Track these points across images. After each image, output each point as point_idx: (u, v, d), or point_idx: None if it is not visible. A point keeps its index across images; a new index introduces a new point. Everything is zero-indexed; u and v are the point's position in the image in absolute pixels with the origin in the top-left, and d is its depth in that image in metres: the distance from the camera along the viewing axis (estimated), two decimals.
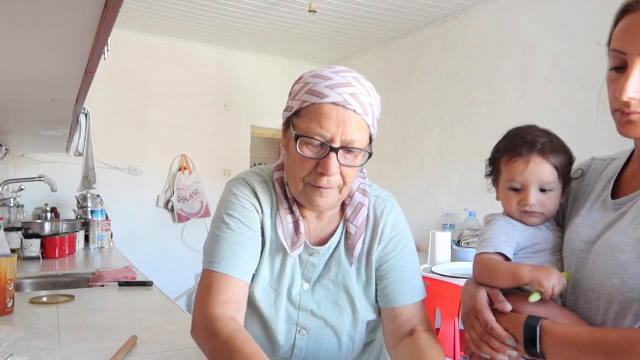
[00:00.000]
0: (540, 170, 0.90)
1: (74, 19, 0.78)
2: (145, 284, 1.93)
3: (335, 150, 0.91)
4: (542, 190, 0.92)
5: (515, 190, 0.93)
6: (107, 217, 3.19)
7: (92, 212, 3.18)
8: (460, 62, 3.74)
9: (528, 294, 0.84)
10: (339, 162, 0.92)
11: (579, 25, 2.91)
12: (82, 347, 1.20)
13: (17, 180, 3.09)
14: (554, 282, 0.81)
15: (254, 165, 7.30)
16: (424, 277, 2.76)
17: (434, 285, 2.55)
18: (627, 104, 0.75)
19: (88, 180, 3.13)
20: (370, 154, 0.97)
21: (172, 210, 4.37)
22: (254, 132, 4.93)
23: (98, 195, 3.54)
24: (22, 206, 3.39)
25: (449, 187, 3.79)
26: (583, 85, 2.83)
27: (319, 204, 0.97)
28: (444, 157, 3.87)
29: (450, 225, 3.56)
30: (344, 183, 0.96)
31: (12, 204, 2.94)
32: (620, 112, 0.77)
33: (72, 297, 1.69)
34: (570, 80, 2.94)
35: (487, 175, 1.01)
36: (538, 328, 0.77)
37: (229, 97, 4.71)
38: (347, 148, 0.93)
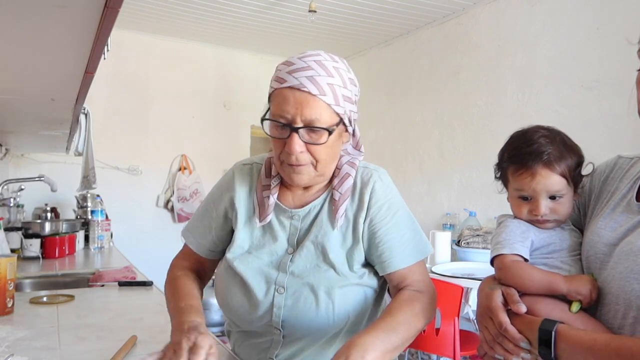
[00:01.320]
0: (548, 182, 0.89)
1: (74, 19, 0.78)
2: (145, 284, 1.93)
3: (296, 130, 0.99)
4: (552, 197, 0.91)
5: (525, 199, 0.93)
6: (107, 217, 3.19)
7: (92, 212, 3.18)
8: (460, 62, 3.74)
9: (543, 296, 0.84)
10: (303, 141, 1.00)
11: (579, 25, 2.91)
12: (82, 347, 1.20)
13: (17, 180, 3.09)
14: (591, 289, 0.81)
15: None
16: None
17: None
18: None
19: (88, 180, 3.14)
20: (330, 132, 1.01)
21: (172, 210, 4.37)
22: (254, 132, 4.93)
23: (98, 195, 3.54)
24: (22, 206, 3.39)
25: (449, 187, 3.79)
26: (583, 85, 2.83)
27: (294, 179, 1.06)
28: (444, 157, 3.87)
29: (450, 225, 3.56)
30: (317, 160, 1.03)
31: (12, 204, 2.94)
32: None
33: (72, 297, 1.69)
34: (570, 80, 2.94)
35: (496, 178, 1.00)
36: (553, 333, 0.75)
37: (229, 97, 4.71)
38: (308, 127, 0.99)
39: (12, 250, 2.41)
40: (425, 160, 4.05)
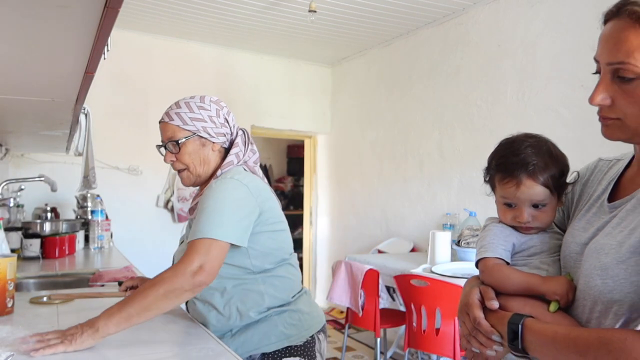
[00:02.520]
0: (531, 192, 0.93)
1: (74, 19, 0.78)
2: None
3: (163, 146, 1.48)
4: (535, 206, 0.95)
5: (510, 205, 0.97)
6: (107, 217, 3.19)
7: (92, 212, 3.18)
8: (460, 62, 3.74)
9: (524, 296, 0.89)
10: (173, 153, 1.46)
11: (579, 25, 2.91)
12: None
13: (17, 180, 3.09)
14: (567, 289, 0.85)
15: None
16: (423, 277, 2.75)
17: (434, 285, 2.55)
18: (600, 109, 0.81)
19: (88, 180, 3.13)
20: (177, 142, 1.43)
21: (172, 210, 4.37)
22: (254, 132, 4.93)
23: (98, 195, 3.54)
24: (22, 206, 3.39)
25: (448, 187, 3.79)
26: (583, 85, 2.83)
27: (181, 182, 1.53)
28: (444, 157, 3.88)
29: (450, 225, 3.56)
30: (186, 165, 1.46)
31: (12, 204, 2.94)
32: (599, 116, 0.82)
33: (71, 297, 1.69)
34: (570, 80, 2.94)
35: (485, 182, 1.04)
36: (520, 326, 0.81)
37: (229, 97, 4.70)
38: (168, 143, 1.45)
39: (12, 250, 2.40)
40: (425, 160, 4.05)
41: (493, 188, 1.01)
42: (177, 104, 1.48)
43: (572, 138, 2.78)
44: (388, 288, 3.11)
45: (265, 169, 7.57)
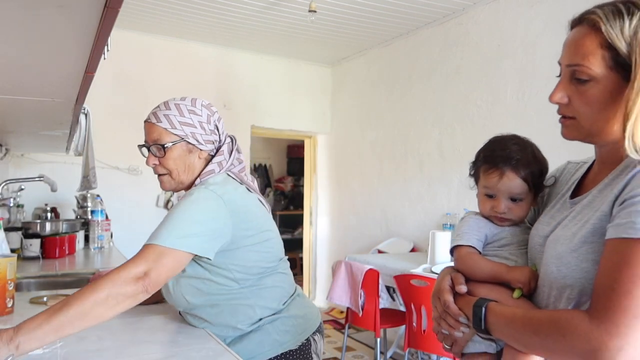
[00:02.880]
0: (512, 184, 1.01)
1: (74, 19, 0.77)
2: None
3: (147, 147, 1.40)
4: (513, 199, 1.03)
5: (490, 196, 1.05)
6: (107, 217, 3.19)
7: (92, 212, 3.18)
8: (460, 62, 3.74)
9: (493, 283, 0.97)
10: (156, 156, 1.38)
11: None
12: (81, 347, 1.20)
13: (17, 180, 3.09)
14: (530, 278, 0.93)
15: (254, 165, 7.31)
16: (423, 277, 2.75)
17: (434, 285, 2.55)
18: (559, 108, 0.88)
19: (88, 180, 3.13)
20: (163, 146, 1.35)
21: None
22: (254, 132, 4.93)
23: (98, 195, 3.54)
24: (22, 206, 3.39)
25: (448, 187, 3.79)
26: None
27: (161, 186, 1.44)
28: (444, 157, 3.88)
29: (450, 225, 3.56)
30: (169, 170, 1.38)
31: (12, 204, 2.94)
32: (559, 115, 0.90)
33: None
34: None
35: (470, 175, 1.12)
36: (484, 309, 0.89)
37: (229, 97, 4.71)
38: (152, 146, 1.37)
39: (12, 250, 2.41)
40: (425, 160, 4.05)
41: (477, 180, 1.09)
42: (166, 105, 1.39)
43: None
44: (388, 288, 3.12)
45: (265, 169, 7.57)
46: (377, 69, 4.66)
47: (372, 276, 3.02)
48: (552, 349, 0.79)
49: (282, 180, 7.55)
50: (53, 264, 2.50)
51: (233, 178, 1.40)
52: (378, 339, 3.07)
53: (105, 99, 4.03)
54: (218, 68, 4.71)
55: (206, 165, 1.41)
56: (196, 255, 1.24)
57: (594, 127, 0.85)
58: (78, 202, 3.56)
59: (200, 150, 1.39)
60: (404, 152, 4.28)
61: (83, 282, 2.18)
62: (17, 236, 2.60)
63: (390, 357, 3.80)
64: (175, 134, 1.36)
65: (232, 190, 1.34)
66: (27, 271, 2.27)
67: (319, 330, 1.47)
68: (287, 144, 7.67)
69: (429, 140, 4.02)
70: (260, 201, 1.45)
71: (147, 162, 1.40)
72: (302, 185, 6.11)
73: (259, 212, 1.41)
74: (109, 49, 1.33)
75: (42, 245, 2.64)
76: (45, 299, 1.66)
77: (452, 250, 1.06)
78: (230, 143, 1.46)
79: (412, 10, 3.74)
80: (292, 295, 1.45)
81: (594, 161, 0.95)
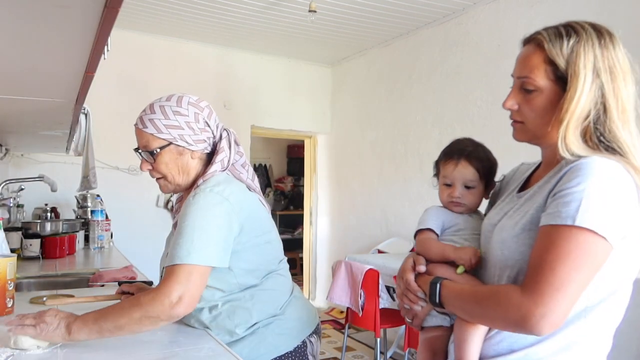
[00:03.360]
0: (465, 171, 1.19)
1: (74, 19, 0.78)
2: (146, 283, 1.93)
3: (139, 152, 1.38)
4: (467, 187, 1.19)
5: (448, 185, 1.21)
6: (107, 217, 3.19)
7: (92, 212, 3.18)
8: (460, 62, 3.74)
9: (445, 264, 1.11)
10: (149, 162, 1.37)
11: None
12: (81, 347, 1.20)
13: (17, 180, 3.09)
14: (471, 256, 1.07)
15: (254, 165, 7.31)
16: None
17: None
18: (511, 114, 1.03)
19: (88, 180, 3.14)
20: (151, 152, 1.34)
21: (172, 210, 4.36)
22: (254, 132, 4.93)
23: (98, 195, 3.54)
24: (22, 206, 3.39)
25: None
26: None
27: (160, 189, 1.43)
28: None
29: None
30: (163, 174, 1.37)
31: (12, 204, 2.94)
32: (510, 120, 1.05)
33: (72, 297, 1.69)
34: None
35: (434, 176, 1.28)
36: (438, 285, 1.03)
37: (229, 97, 4.71)
38: (144, 152, 1.36)
39: (12, 250, 2.40)
40: (425, 160, 4.05)
41: (438, 175, 1.25)
42: (151, 108, 1.35)
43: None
44: (388, 288, 3.11)
45: (265, 169, 7.57)
46: (377, 69, 4.66)
47: (372, 276, 3.02)
48: (491, 317, 0.94)
49: (282, 180, 7.55)
50: (53, 264, 2.50)
51: (231, 179, 1.37)
52: (378, 339, 3.07)
53: (105, 99, 4.03)
54: (218, 68, 4.71)
55: (206, 163, 1.38)
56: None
57: (538, 130, 1.00)
58: (78, 202, 3.56)
59: (192, 151, 1.35)
60: (404, 152, 4.28)
61: (83, 282, 2.18)
62: (17, 236, 2.60)
63: (390, 357, 3.81)
64: (162, 138, 1.32)
65: (237, 191, 1.32)
66: (27, 271, 2.27)
67: (315, 332, 1.46)
68: (287, 144, 7.67)
69: (429, 140, 4.02)
70: (261, 201, 1.43)
71: (141, 168, 1.39)
72: (302, 185, 6.11)
73: (261, 213, 1.40)
74: (109, 49, 1.32)
75: (42, 245, 2.63)
76: (45, 299, 1.66)
77: (415, 236, 1.22)
78: (228, 137, 1.40)
79: (412, 10, 3.74)
80: (289, 297, 1.43)
81: (541, 162, 1.11)
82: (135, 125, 1.36)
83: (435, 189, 1.26)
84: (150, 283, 1.93)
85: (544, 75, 0.97)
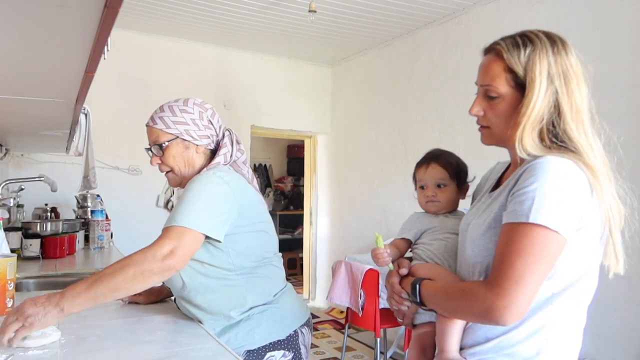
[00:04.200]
0: (434, 171, 1.33)
1: (74, 19, 0.78)
2: None
3: (149, 150, 1.52)
4: (439, 186, 1.32)
5: (422, 188, 1.35)
6: (107, 217, 3.19)
7: (92, 212, 3.18)
8: (460, 62, 3.74)
9: (424, 264, 1.22)
10: (158, 156, 1.50)
11: (579, 25, 2.91)
12: (81, 347, 1.20)
13: (17, 180, 3.09)
14: (377, 255, 1.25)
15: (254, 165, 7.31)
16: None
17: None
18: (477, 119, 1.11)
19: (88, 180, 3.14)
20: (161, 145, 1.47)
21: (172, 210, 4.36)
22: (254, 132, 4.93)
23: (98, 195, 3.54)
24: (22, 206, 3.39)
25: None
26: None
27: (169, 183, 1.57)
28: None
29: None
30: (171, 168, 1.50)
31: (12, 204, 2.94)
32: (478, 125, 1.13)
33: None
34: None
35: (415, 189, 1.39)
36: (418, 285, 1.11)
37: (229, 97, 4.71)
38: (153, 147, 1.49)
39: (12, 250, 2.40)
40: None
41: (415, 183, 1.38)
42: (161, 108, 1.51)
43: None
44: None
45: (265, 169, 7.57)
46: (377, 69, 4.66)
47: (372, 276, 3.02)
48: (462, 311, 1.02)
49: (282, 180, 7.54)
50: (53, 264, 2.50)
51: (232, 171, 1.48)
52: (378, 339, 3.07)
53: (105, 99, 4.03)
54: (218, 68, 4.71)
55: (208, 159, 1.51)
56: (207, 237, 1.31)
57: (502, 134, 1.07)
58: (78, 202, 3.56)
59: (197, 145, 1.49)
60: (404, 152, 4.28)
61: None
62: (17, 236, 2.60)
63: (390, 357, 3.81)
64: (170, 133, 1.47)
65: (237, 179, 1.44)
66: (27, 271, 2.27)
67: (307, 324, 1.54)
68: (287, 144, 7.67)
69: (429, 140, 4.02)
70: (259, 197, 1.52)
71: (151, 162, 1.51)
72: (302, 185, 6.11)
73: (259, 205, 1.50)
74: (109, 49, 1.32)
75: (42, 245, 2.64)
76: None
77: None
78: (230, 135, 1.53)
79: (412, 10, 3.74)
80: (283, 288, 1.52)
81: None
82: (147, 124, 1.51)
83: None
84: None
85: (505, 82, 1.05)
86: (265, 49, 4.77)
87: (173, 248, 1.24)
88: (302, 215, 5.79)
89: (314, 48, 4.72)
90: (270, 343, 1.40)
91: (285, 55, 4.99)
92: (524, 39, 1.05)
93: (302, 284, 5.73)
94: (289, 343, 1.44)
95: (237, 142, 1.54)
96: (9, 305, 1.47)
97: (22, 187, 3.33)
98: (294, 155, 7.49)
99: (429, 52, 4.05)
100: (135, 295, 1.54)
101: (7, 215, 2.81)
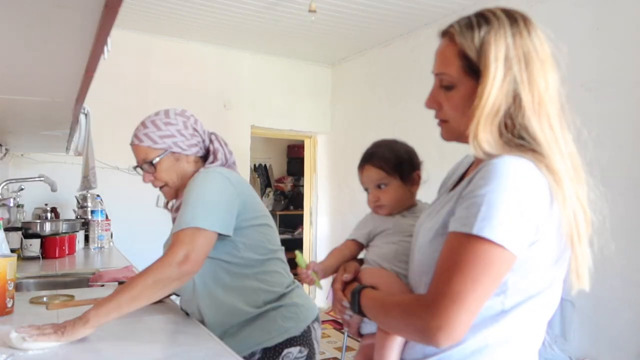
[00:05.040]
0: (369, 173, 1.19)
1: (73, 19, 0.78)
2: None
3: (139, 167, 1.50)
4: (379, 186, 1.18)
5: (367, 191, 1.22)
6: (107, 217, 3.19)
7: (92, 212, 3.18)
8: None
9: (370, 269, 1.11)
10: (150, 173, 1.48)
11: (579, 25, 2.91)
12: (81, 347, 1.20)
13: (17, 180, 3.09)
14: (300, 276, 1.15)
15: (254, 165, 7.31)
16: None
17: None
18: (435, 113, 0.99)
19: (88, 180, 3.13)
20: (152, 162, 1.45)
21: (172, 209, 4.36)
22: (254, 132, 4.93)
23: (98, 195, 3.54)
24: (22, 206, 3.39)
25: None
26: (583, 86, 2.83)
27: (165, 197, 1.57)
28: (444, 157, 3.87)
29: None
30: (165, 182, 1.49)
31: (12, 204, 2.94)
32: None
33: (72, 297, 1.69)
34: (570, 80, 2.93)
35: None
36: (357, 294, 1.00)
37: (229, 97, 4.71)
38: (144, 165, 1.47)
39: (12, 250, 2.40)
40: (425, 161, 4.04)
41: None
42: (143, 125, 1.49)
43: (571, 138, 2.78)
44: None
45: (265, 169, 7.57)
46: (377, 69, 4.66)
47: None
48: (396, 326, 0.91)
49: (282, 180, 7.54)
50: (53, 264, 2.50)
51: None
52: None
53: (105, 99, 4.03)
54: (218, 68, 4.70)
55: (202, 165, 1.51)
56: (219, 234, 1.32)
57: (461, 129, 0.92)
58: (78, 202, 3.56)
59: (187, 155, 1.49)
60: None
61: (83, 282, 2.18)
62: (17, 236, 2.60)
63: None
64: (159, 148, 1.45)
65: (236, 175, 1.46)
66: (27, 271, 2.27)
67: (317, 320, 1.55)
68: (287, 144, 7.67)
69: (429, 140, 4.01)
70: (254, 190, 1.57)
71: (144, 180, 1.50)
72: (302, 185, 6.11)
73: (257, 198, 1.53)
74: (109, 49, 1.32)
75: (42, 245, 2.64)
76: (45, 299, 1.66)
77: None
78: (217, 139, 1.54)
79: (412, 10, 3.74)
80: (292, 284, 1.53)
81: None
82: (131, 143, 1.49)
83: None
84: None
85: (459, 70, 0.90)
86: (265, 49, 4.77)
87: (187, 253, 1.24)
88: (302, 215, 5.79)
89: (314, 48, 4.72)
90: (287, 339, 1.42)
91: (285, 55, 4.99)
92: (479, 19, 0.90)
93: (302, 284, 5.72)
94: (304, 339, 1.46)
95: (225, 144, 1.55)
96: (9, 305, 1.47)
97: (22, 187, 3.33)
98: (294, 155, 7.48)
99: (429, 52, 4.02)
100: None
101: (7, 215, 2.81)
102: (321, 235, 5.47)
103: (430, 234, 0.92)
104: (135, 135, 1.48)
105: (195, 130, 1.50)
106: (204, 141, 1.52)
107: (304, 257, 1.19)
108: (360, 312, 1.00)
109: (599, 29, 2.82)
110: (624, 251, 2.53)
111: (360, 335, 1.12)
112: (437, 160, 3.91)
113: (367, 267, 1.12)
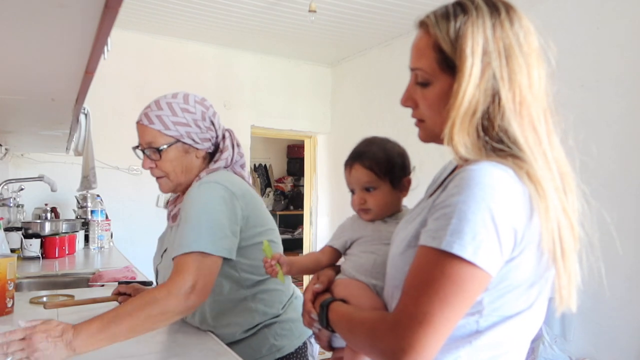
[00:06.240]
0: (358, 174, 1.09)
1: (74, 19, 0.78)
2: (145, 284, 1.92)
3: (142, 151, 1.34)
4: (367, 189, 1.09)
5: (352, 192, 1.12)
6: (107, 217, 3.19)
7: (92, 212, 3.18)
8: None
9: (342, 280, 1.03)
10: (152, 159, 1.32)
11: (579, 25, 2.91)
12: None
13: (17, 180, 3.09)
14: (264, 265, 1.09)
15: (254, 165, 7.31)
16: None
17: None
18: (412, 112, 0.90)
19: (88, 180, 3.14)
20: (158, 149, 1.30)
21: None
22: (254, 132, 4.93)
23: (98, 195, 3.54)
24: (22, 206, 3.39)
25: None
26: (583, 86, 2.83)
27: (159, 189, 1.41)
28: (444, 157, 3.86)
29: None
30: (166, 173, 1.33)
31: (12, 204, 2.94)
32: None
33: (72, 297, 1.69)
34: (570, 80, 2.94)
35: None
36: (325, 307, 0.94)
37: (229, 97, 4.71)
38: (148, 149, 1.32)
39: (12, 250, 2.41)
40: (424, 161, 4.03)
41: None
42: (157, 104, 1.32)
43: (571, 138, 2.78)
44: None
45: (265, 169, 7.57)
46: (377, 69, 4.66)
47: None
48: (362, 347, 0.84)
49: (282, 180, 7.55)
50: (53, 264, 2.50)
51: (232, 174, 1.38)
52: None
53: (105, 99, 4.03)
54: (218, 68, 4.70)
55: (207, 163, 1.38)
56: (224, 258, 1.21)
57: (437, 129, 0.84)
58: (78, 202, 3.56)
59: (198, 149, 1.34)
60: None
61: (83, 282, 2.18)
62: (17, 236, 2.60)
63: None
64: (170, 135, 1.30)
65: (240, 184, 1.32)
66: (27, 271, 2.27)
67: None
68: (287, 144, 7.67)
69: None
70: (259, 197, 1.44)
71: (143, 165, 1.35)
72: (302, 185, 6.11)
73: (264, 209, 1.40)
74: (109, 49, 1.32)
75: (42, 245, 2.64)
76: (45, 299, 1.66)
77: None
78: (231, 137, 1.40)
79: (412, 10, 3.73)
80: (290, 297, 1.43)
81: None
82: (139, 122, 1.32)
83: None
84: (149, 283, 1.93)
85: (434, 64, 0.82)
86: (265, 49, 4.77)
87: (194, 282, 1.12)
88: (302, 215, 5.79)
89: (314, 48, 4.72)
90: (279, 358, 1.33)
91: (285, 55, 4.99)
92: (456, 8, 0.81)
93: (302, 284, 5.73)
94: (298, 356, 1.36)
95: (238, 145, 1.41)
96: (9, 305, 1.47)
97: (22, 187, 3.33)
98: (294, 155, 7.49)
99: None
100: (129, 296, 1.52)
101: (7, 215, 2.82)
102: (321, 235, 5.47)
103: (402, 245, 0.85)
104: (146, 114, 1.31)
105: (212, 123, 1.35)
106: (217, 137, 1.37)
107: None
108: (329, 327, 0.93)
109: (599, 29, 2.82)
110: (624, 251, 2.53)
111: (332, 348, 1.04)
112: (438, 160, 3.91)
113: (341, 278, 1.04)
